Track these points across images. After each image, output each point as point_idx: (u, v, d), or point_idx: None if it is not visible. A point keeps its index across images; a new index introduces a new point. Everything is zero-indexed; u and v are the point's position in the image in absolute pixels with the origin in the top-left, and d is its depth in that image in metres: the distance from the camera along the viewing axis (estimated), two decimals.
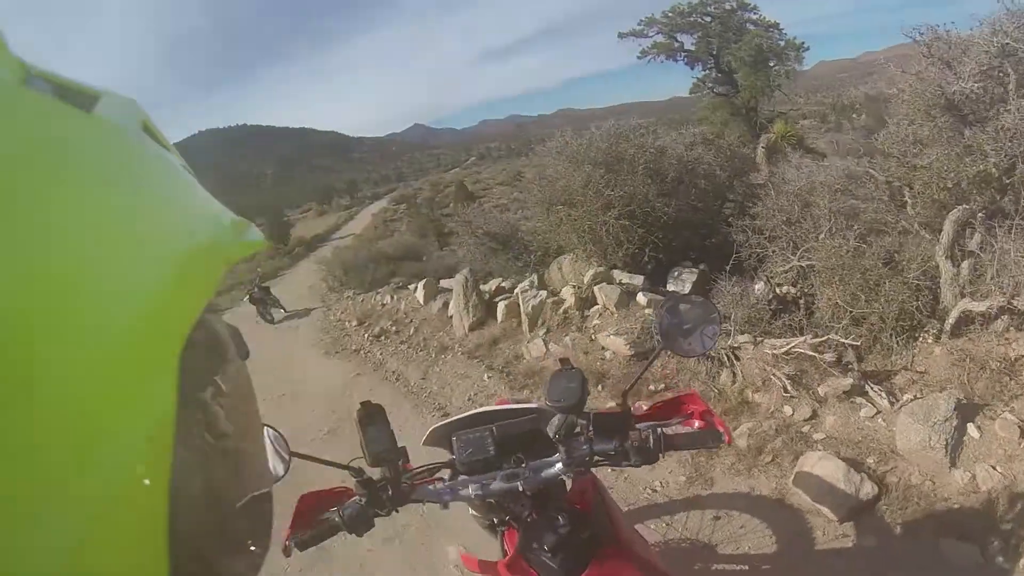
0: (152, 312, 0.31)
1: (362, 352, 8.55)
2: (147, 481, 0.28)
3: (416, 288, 9.35)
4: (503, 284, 8.12)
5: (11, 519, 0.22)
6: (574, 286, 6.53)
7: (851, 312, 4.42)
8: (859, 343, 4.23)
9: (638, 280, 6.13)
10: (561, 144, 7.22)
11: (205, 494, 0.41)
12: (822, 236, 4.98)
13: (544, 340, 6.24)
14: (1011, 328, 4.08)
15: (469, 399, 5.81)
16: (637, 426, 1.51)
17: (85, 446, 0.25)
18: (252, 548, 0.50)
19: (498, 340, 6.87)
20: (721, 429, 1.46)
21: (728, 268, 5.48)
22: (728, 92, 20.15)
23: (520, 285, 7.13)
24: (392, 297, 10.29)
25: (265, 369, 8.99)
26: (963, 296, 4.30)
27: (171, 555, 0.29)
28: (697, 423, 1.57)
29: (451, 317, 7.94)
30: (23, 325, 0.24)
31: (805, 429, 3.94)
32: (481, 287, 7.87)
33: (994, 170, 4.30)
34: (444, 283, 9.08)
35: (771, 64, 19.00)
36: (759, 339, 4.50)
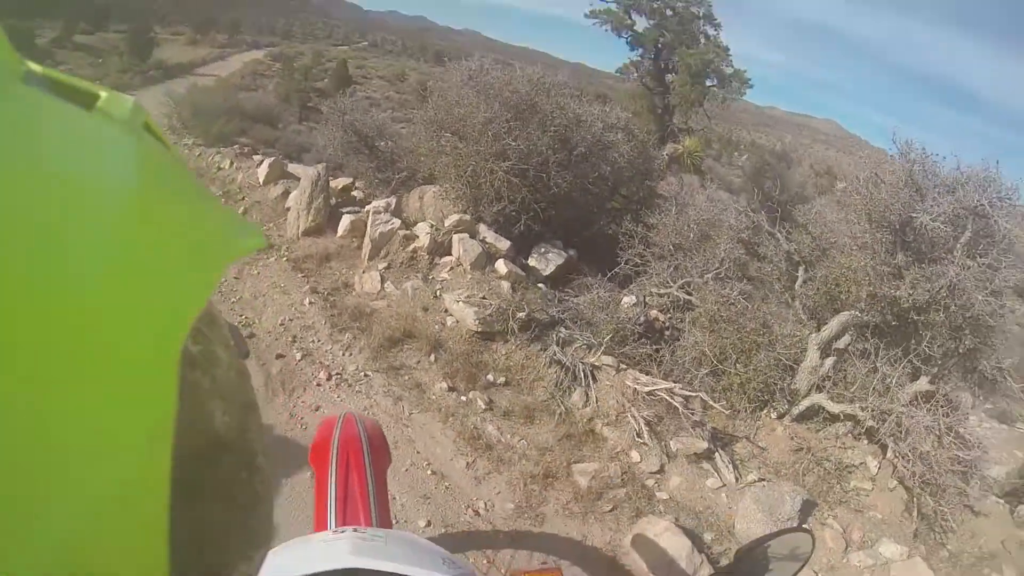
0: (151, 310, 0.30)
1: None
2: (146, 482, 0.28)
3: (261, 164, 8.18)
4: (355, 193, 7.26)
5: (8, 520, 0.21)
6: (432, 225, 5.84)
7: (717, 365, 4.19)
8: (728, 410, 4.06)
9: (504, 244, 5.56)
10: (478, 68, 6.34)
11: (205, 494, 0.38)
12: (709, 276, 4.70)
13: (382, 276, 5.54)
14: (850, 435, 4.18)
15: (281, 323, 5.01)
16: None
17: (83, 446, 0.24)
18: (253, 547, 0.46)
19: (331, 257, 6.05)
20: None
21: (610, 272, 5.11)
22: (653, 88, 19.24)
23: (374, 203, 6.30)
24: (231, 163, 9.03)
25: None
26: (819, 389, 4.31)
27: (171, 556, 0.29)
28: None
29: (288, 210, 6.98)
30: (21, 324, 0.23)
31: (650, 483, 3.69)
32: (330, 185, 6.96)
33: (907, 303, 4.27)
34: (292, 167, 8.01)
35: (709, 83, 18.34)
36: (623, 366, 4.12)
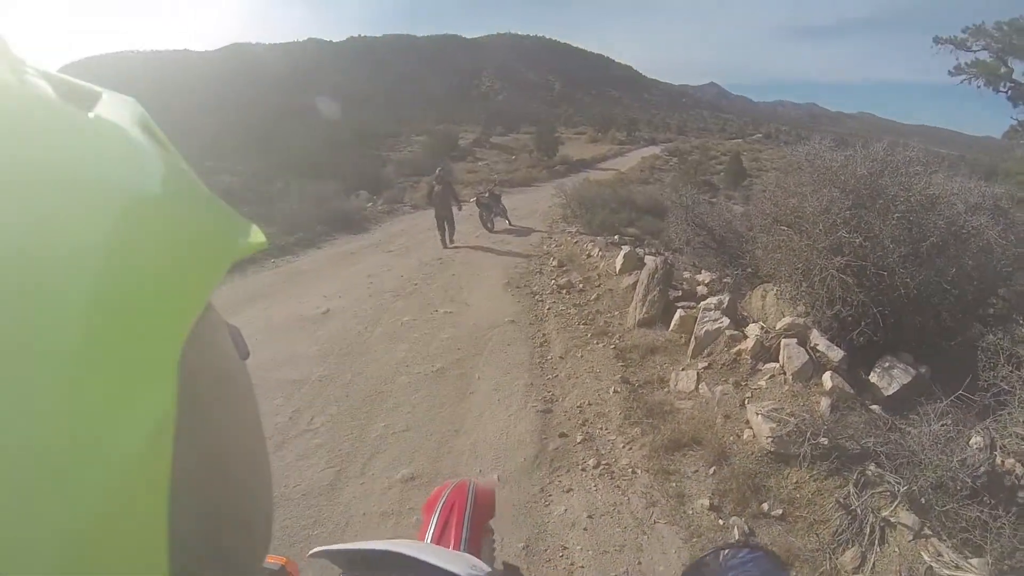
0: (151, 311, 0.30)
1: (537, 298, 8.13)
2: (146, 484, 0.27)
3: (618, 255, 8.56)
4: (700, 288, 7.04)
5: (7, 520, 0.21)
6: (762, 328, 5.31)
7: None
8: None
9: (836, 355, 4.71)
10: (812, 153, 5.63)
11: (205, 497, 0.37)
12: None
13: (699, 376, 5.20)
14: None
15: (579, 406, 5.06)
16: None
17: (82, 447, 0.24)
18: (251, 551, 0.46)
19: (657, 350, 5.94)
20: None
21: (951, 396, 3.91)
22: None
23: (706, 301, 6.00)
24: (599, 252, 9.66)
25: (448, 279, 9.27)
26: None
27: (171, 558, 0.29)
28: None
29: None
30: (20, 323, 0.23)
31: None
32: (678, 277, 6.94)
33: None
34: (649, 259, 8.20)
35: None
36: (929, 532, 3.11)
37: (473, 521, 1.39)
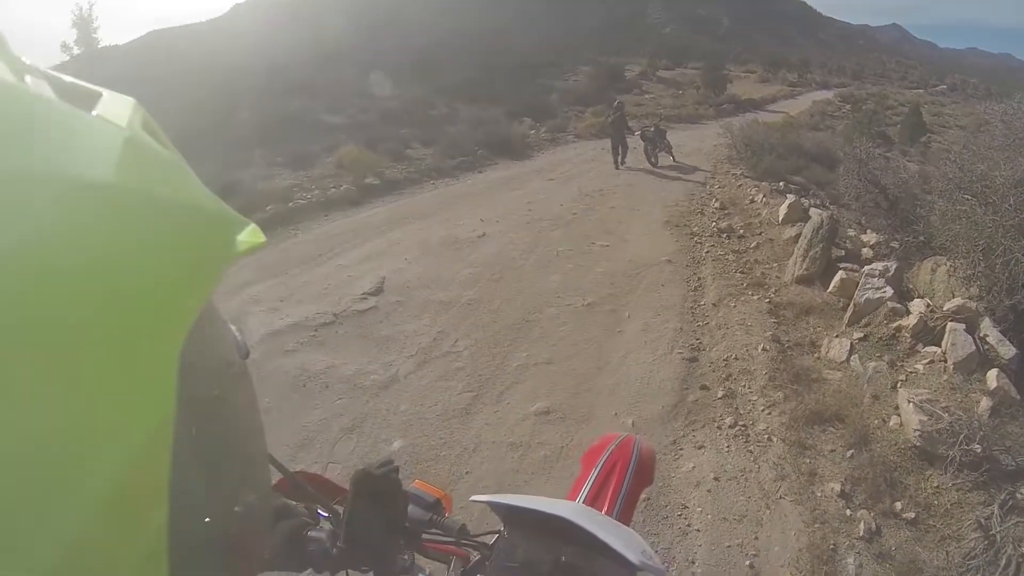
0: (151, 311, 0.31)
1: (695, 239, 8.00)
2: (146, 483, 0.28)
3: (783, 203, 8.15)
4: (866, 251, 6.61)
5: (8, 520, 0.22)
6: (928, 305, 4.95)
7: None
8: None
9: (1007, 351, 4.26)
10: (1009, 113, 4.96)
11: (204, 495, 0.40)
12: None
13: (852, 347, 4.98)
14: None
15: (725, 359, 4.99)
16: None
17: (83, 446, 0.25)
18: (251, 549, 0.50)
19: (812, 311, 5.72)
20: None
21: None
22: None
23: (870, 267, 5.64)
24: (763, 198, 9.25)
25: (607, 211, 9.34)
26: None
27: (170, 557, 0.29)
28: None
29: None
30: (20, 323, 0.24)
31: None
32: (843, 235, 6.55)
33: None
34: (814, 212, 7.76)
35: None
36: None
37: (631, 486, 1.36)
